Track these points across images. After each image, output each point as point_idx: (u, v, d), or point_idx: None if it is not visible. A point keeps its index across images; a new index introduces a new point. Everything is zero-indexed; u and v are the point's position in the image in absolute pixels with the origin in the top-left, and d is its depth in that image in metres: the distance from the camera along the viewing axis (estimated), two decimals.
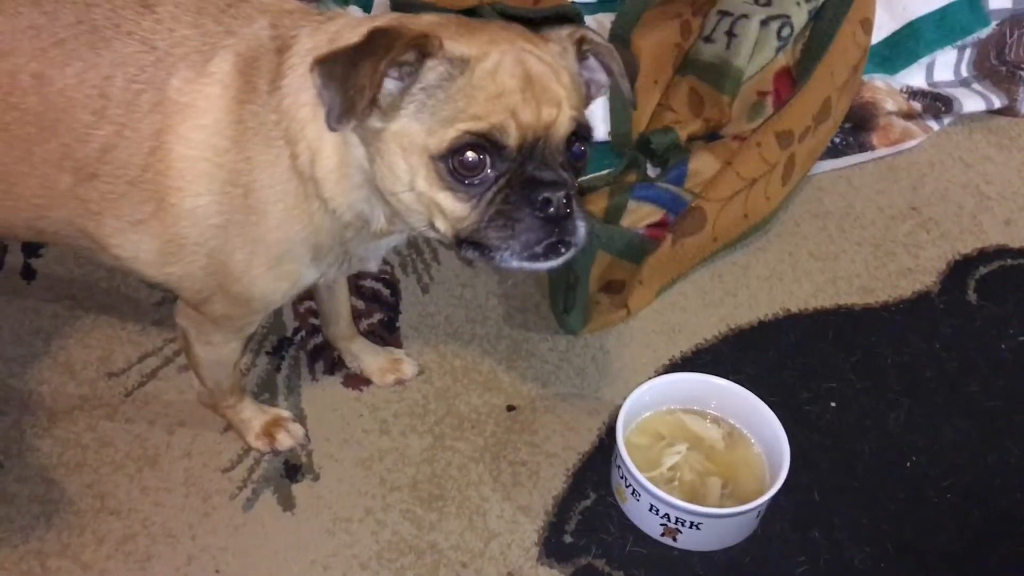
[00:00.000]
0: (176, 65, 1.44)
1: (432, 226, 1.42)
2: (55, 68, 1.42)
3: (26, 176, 1.48)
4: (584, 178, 2.46)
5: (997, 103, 2.75)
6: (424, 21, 1.42)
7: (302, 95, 1.41)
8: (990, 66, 2.80)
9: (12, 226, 1.58)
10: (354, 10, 2.75)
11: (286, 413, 1.96)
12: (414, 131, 1.34)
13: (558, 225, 1.37)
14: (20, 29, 1.42)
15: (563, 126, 1.38)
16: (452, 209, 1.38)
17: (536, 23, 2.67)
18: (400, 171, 1.37)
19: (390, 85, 1.34)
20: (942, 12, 2.73)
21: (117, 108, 1.43)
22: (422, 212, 1.41)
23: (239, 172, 1.44)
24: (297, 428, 1.94)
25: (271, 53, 1.45)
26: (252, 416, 1.92)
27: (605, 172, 2.48)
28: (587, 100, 1.51)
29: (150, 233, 1.49)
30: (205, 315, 1.63)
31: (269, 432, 1.92)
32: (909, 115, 2.72)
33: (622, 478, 1.81)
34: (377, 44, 1.30)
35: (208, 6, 1.49)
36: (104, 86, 1.43)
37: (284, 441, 1.92)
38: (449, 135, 1.32)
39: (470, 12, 2.72)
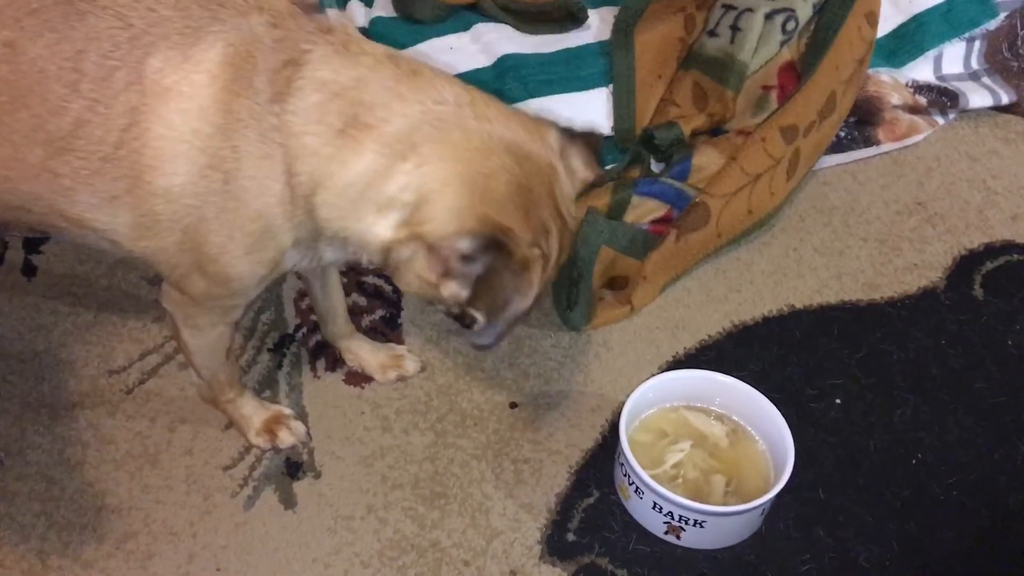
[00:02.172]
0: (156, 45, 1.41)
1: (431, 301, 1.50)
2: (28, 38, 1.41)
3: None
4: None
5: (1005, 99, 2.73)
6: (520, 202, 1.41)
7: (311, 125, 1.39)
8: (1002, 59, 2.77)
9: None
10: (354, 6, 2.75)
11: (287, 410, 1.95)
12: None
13: None
14: None
15: None
16: (455, 295, 1.42)
17: (538, 17, 2.68)
18: (420, 275, 1.44)
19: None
20: (949, 4, 2.71)
21: (90, 83, 1.41)
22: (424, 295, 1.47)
23: (222, 159, 1.41)
24: (298, 425, 1.93)
25: (272, 54, 1.42)
26: (252, 412, 1.91)
27: (608, 167, 2.47)
28: None
29: (124, 208, 1.47)
30: (187, 294, 1.60)
31: (270, 429, 1.91)
32: (915, 109, 2.70)
33: (625, 476, 1.80)
34: (522, 281, 1.38)
35: None
36: (77, 59, 1.41)
37: (285, 438, 1.91)
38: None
39: (472, 6, 2.72)
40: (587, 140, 1.57)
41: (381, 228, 1.40)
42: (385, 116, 1.37)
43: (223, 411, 1.92)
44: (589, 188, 2.34)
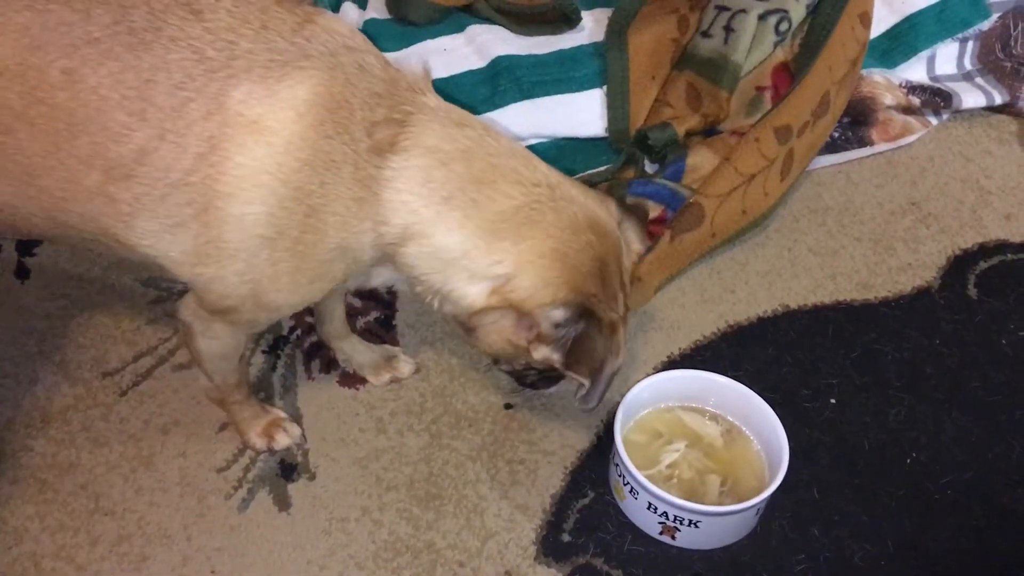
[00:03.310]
0: (238, 77, 1.39)
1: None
2: (88, 66, 1.38)
3: (52, 169, 1.44)
4: (581, 174, 2.46)
5: (998, 99, 2.73)
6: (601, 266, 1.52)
7: (415, 186, 1.44)
8: (995, 60, 2.78)
9: (30, 216, 1.53)
10: (348, 8, 2.75)
11: (283, 414, 1.95)
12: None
13: None
14: (50, 25, 1.38)
15: None
16: (547, 358, 1.53)
17: (531, 18, 2.69)
18: (508, 339, 1.54)
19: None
20: (942, 5, 2.71)
21: (159, 112, 1.38)
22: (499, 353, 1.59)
23: (308, 193, 1.41)
24: (294, 428, 1.93)
25: (371, 106, 1.43)
26: (255, 415, 1.91)
27: (603, 168, 2.47)
28: None
29: (187, 235, 1.45)
30: (219, 313, 1.58)
31: (268, 432, 1.91)
32: (908, 110, 2.71)
33: (620, 476, 1.80)
34: (613, 343, 1.51)
35: (274, 21, 1.44)
36: (144, 89, 1.38)
37: (282, 440, 1.91)
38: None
39: (465, 8, 2.72)
40: (637, 213, 1.72)
41: (472, 293, 1.50)
42: (491, 195, 1.45)
43: (227, 411, 1.91)
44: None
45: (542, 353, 1.52)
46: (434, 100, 1.50)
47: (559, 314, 1.47)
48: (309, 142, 1.39)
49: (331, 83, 1.41)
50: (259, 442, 1.91)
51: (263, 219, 1.41)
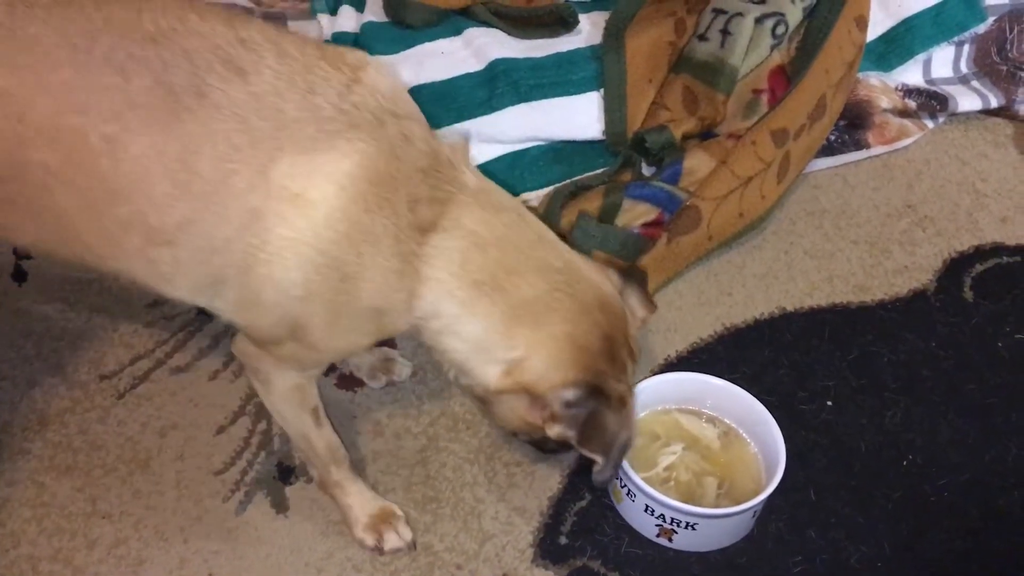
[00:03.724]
0: (283, 149, 1.36)
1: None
2: (131, 134, 1.33)
3: (92, 230, 1.41)
4: (578, 177, 2.46)
5: (994, 102, 2.74)
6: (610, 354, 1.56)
7: (453, 266, 1.47)
8: (991, 63, 2.79)
9: (69, 258, 1.51)
10: (345, 11, 2.75)
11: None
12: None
13: None
14: (92, 86, 1.33)
15: None
16: (562, 435, 1.55)
17: (529, 22, 2.69)
18: (523, 418, 1.59)
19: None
20: (938, 8, 2.71)
21: (203, 184, 1.35)
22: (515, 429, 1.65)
23: (344, 263, 1.40)
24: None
25: (415, 183, 1.43)
26: (362, 503, 1.79)
27: (600, 171, 2.47)
28: None
29: (229, 289, 1.44)
30: (266, 351, 1.56)
31: (377, 527, 1.78)
32: (904, 113, 2.71)
33: (617, 479, 1.80)
34: (623, 416, 1.56)
35: (320, 84, 1.39)
36: (188, 160, 1.34)
37: (392, 542, 1.78)
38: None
39: (463, 11, 2.73)
40: (636, 277, 1.75)
41: (489, 374, 1.53)
42: (518, 284, 1.49)
43: (330, 496, 1.81)
44: (580, 190, 2.37)
45: (556, 431, 1.55)
46: (473, 180, 1.52)
47: (570, 394, 1.50)
48: (349, 215, 1.38)
49: (377, 157, 1.39)
50: (367, 538, 1.78)
51: (299, 283, 1.41)
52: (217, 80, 1.35)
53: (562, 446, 1.64)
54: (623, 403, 1.56)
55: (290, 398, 1.67)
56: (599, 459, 1.57)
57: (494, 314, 1.49)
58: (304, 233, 1.37)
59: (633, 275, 1.74)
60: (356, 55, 1.48)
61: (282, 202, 1.36)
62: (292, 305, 1.44)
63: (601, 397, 1.52)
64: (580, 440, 1.55)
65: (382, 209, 1.40)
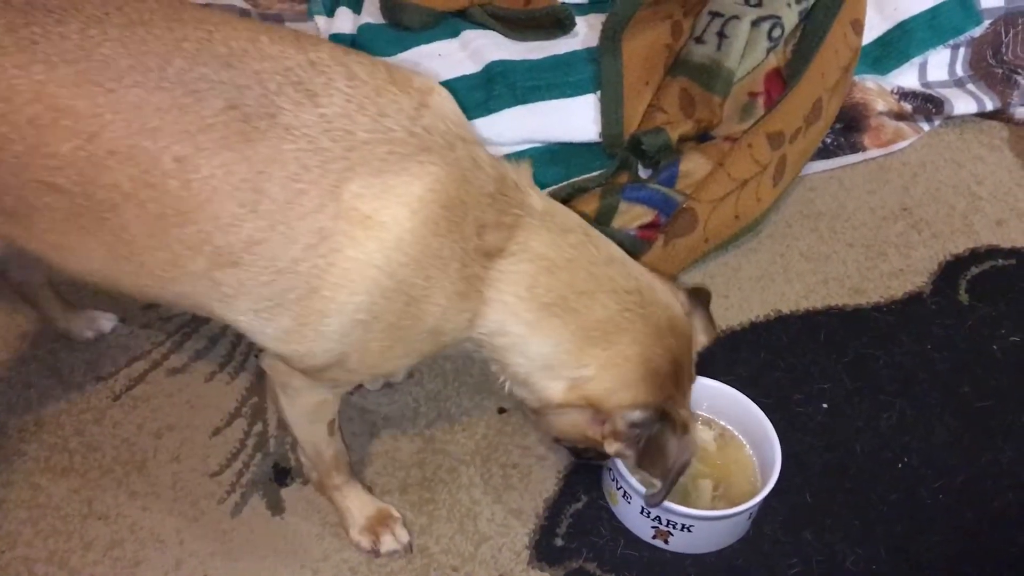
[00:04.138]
0: (354, 170, 1.35)
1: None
2: (202, 155, 1.33)
3: (155, 250, 1.39)
4: (575, 179, 2.46)
5: (989, 106, 2.75)
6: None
7: (520, 289, 1.46)
8: (986, 66, 2.80)
9: (118, 283, 1.49)
10: (342, 13, 2.76)
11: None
12: None
13: None
14: (163, 107, 1.32)
15: None
16: (621, 453, 1.57)
17: (526, 24, 2.69)
18: (582, 432, 1.58)
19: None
20: (933, 11, 2.73)
21: (271, 204, 1.34)
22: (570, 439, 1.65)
23: (412, 286, 1.40)
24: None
25: (483, 207, 1.43)
26: (360, 506, 1.80)
27: (596, 173, 2.48)
28: None
29: (286, 315, 1.42)
30: (299, 369, 1.55)
31: (374, 529, 1.79)
32: (900, 116, 2.72)
33: (613, 480, 1.80)
34: (685, 442, 1.53)
35: (391, 107, 1.39)
36: (257, 180, 1.34)
37: (388, 544, 1.79)
38: None
39: (460, 13, 2.73)
40: (703, 300, 1.72)
41: (552, 388, 1.53)
42: (589, 304, 1.48)
43: (328, 499, 1.82)
44: (576, 192, 2.37)
45: (615, 448, 1.56)
46: (540, 202, 1.51)
47: (637, 415, 1.50)
48: (419, 238, 1.37)
49: (447, 180, 1.38)
50: (363, 540, 1.79)
51: (364, 306, 1.40)
52: (288, 102, 1.35)
53: (600, 455, 1.64)
54: (686, 429, 1.55)
55: (313, 412, 1.67)
56: (656, 482, 1.58)
57: (564, 335, 1.48)
58: (374, 256, 1.36)
59: (700, 297, 1.71)
60: (423, 79, 1.47)
61: (352, 223, 1.35)
62: (351, 330, 1.42)
63: (667, 421, 1.51)
64: (640, 461, 1.57)
65: (451, 233, 1.40)
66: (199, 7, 1.45)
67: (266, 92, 1.35)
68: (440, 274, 1.41)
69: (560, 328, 1.48)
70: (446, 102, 1.47)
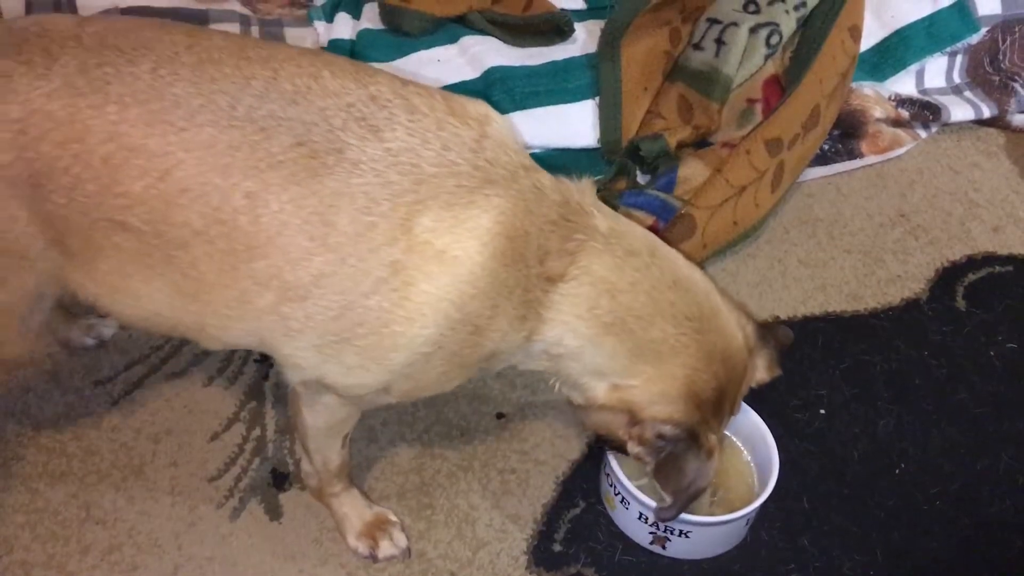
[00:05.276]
0: (424, 203, 1.36)
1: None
2: (271, 191, 1.35)
3: (223, 287, 1.40)
4: None
5: (987, 112, 2.76)
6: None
7: (582, 310, 1.46)
8: (984, 74, 2.81)
9: (176, 325, 1.49)
10: (342, 19, 2.76)
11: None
12: None
13: None
14: (234, 144, 1.35)
15: None
16: (641, 458, 1.58)
17: (524, 30, 2.70)
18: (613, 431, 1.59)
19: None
20: (931, 19, 2.73)
21: (341, 237, 1.35)
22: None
23: (479, 316, 1.41)
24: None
25: (546, 234, 1.43)
26: (357, 511, 1.81)
27: (595, 179, 2.48)
28: None
29: (349, 351, 1.42)
30: (340, 395, 1.55)
31: (371, 534, 1.80)
32: (898, 123, 2.73)
33: (611, 486, 1.81)
34: (706, 467, 1.55)
35: (453, 140, 1.41)
36: (327, 214, 1.35)
37: (386, 550, 1.79)
38: None
39: (459, 19, 2.74)
40: (777, 339, 1.72)
41: (599, 390, 1.55)
42: (647, 328, 1.49)
43: (326, 505, 1.83)
44: None
45: (637, 452, 1.57)
46: (604, 223, 1.50)
47: (667, 429, 1.52)
48: (488, 271, 1.39)
49: (513, 212, 1.40)
50: (360, 545, 1.79)
51: (432, 339, 1.41)
52: (353, 137, 1.37)
53: (622, 449, 1.65)
54: (710, 455, 1.56)
55: (333, 427, 1.68)
56: (667, 497, 1.60)
57: (620, 350, 1.50)
58: (447, 290, 1.37)
59: (774, 335, 1.71)
60: (478, 107, 1.49)
61: (425, 258, 1.36)
62: (413, 363, 1.43)
63: (693, 443, 1.53)
64: (656, 473, 1.58)
65: (516, 263, 1.41)
66: (263, 43, 1.47)
67: (332, 128, 1.37)
68: (504, 302, 1.42)
69: (616, 345, 1.49)
70: (504, 129, 1.49)
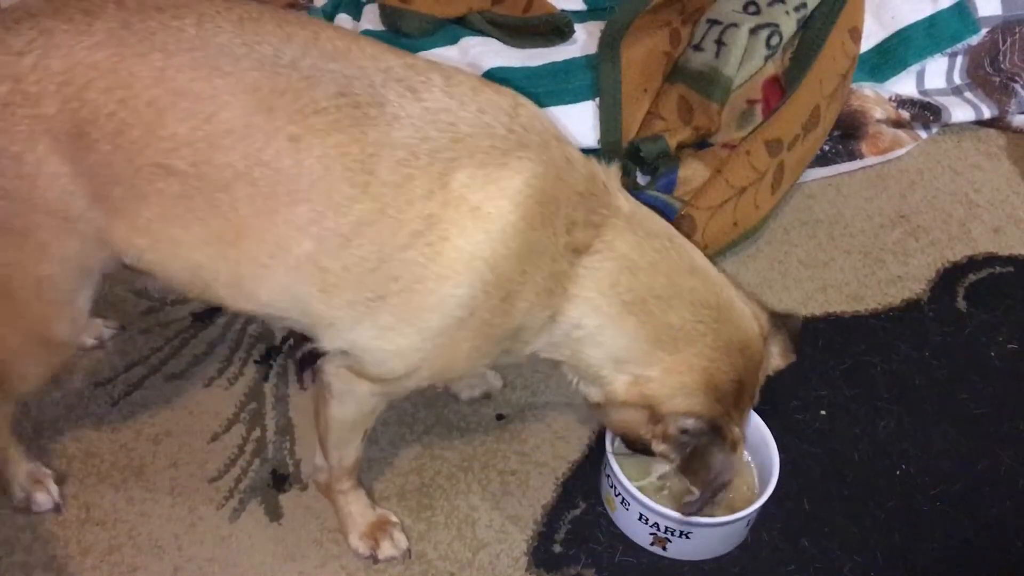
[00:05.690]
0: (461, 160, 1.39)
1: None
2: (315, 135, 1.37)
3: (262, 233, 1.41)
4: None
5: (987, 113, 2.76)
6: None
7: (603, 286, 1.49)
8: (984, 74, 2.81)
9: (211, 282, 1.48)
10: (342, 19, 2.76)
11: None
12: None
13: None
14: (280, 90, 1.37)
15: None
16: (666, 455, 1.60)
17: (524, 31, 2.70)
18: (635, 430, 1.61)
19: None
20: (931, 20, 2.74)
21: (382, 187, 1.37)
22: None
23: (509, 280, 1.42)
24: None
25: (573, 205, 1.45)
26: (361, 511, 1.81)
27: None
28: None
29: (384, 310, 1.43)
30: (369, 376, 1.55)
31: (373, 535, 1.80)
32: (898, 123, 2.73)
33: (611, 487, 1.80)
34: (731, 459, 1.56)
35: (489, 105, 1.44)
36: (368, 162, 1.38)
37: (386, 550, 1.79)
38: None
39: (459, 20, 2.74)
40: (790, 326, 1.73)
41: (617, 382, 1.57)
42: (665, 310, 1.51)
43: (332, 500, 1.82)
44: None
45: (662, 450, 1.58)
46: (626, 204, 1.54)
47: (689, 423, 1.53)
48: (520, 232, 1.40)
49: (544, 176, 1.42)
50: (361, 545, 1.80)
51: (465, 301, 1.42)
52: (393, 94, 1.41)
53: (649, 451, 1.66)
54: (734, 447, 1.57)
55: (359, 421, 1.68)
56: (695, 490, 1.60)
57: (640, 333, 1.51)
58: (481, 247, 1.39)
59: (786, 322, 1.72)
60: (507, 89, 1.51)
61: (461, 212, 1.39)
62: (445, 329, 1.44)
63: (717, 435, 1.54)
64: (683, 468, 1.59)
65: (545, 228, 1.43)
66: (298, 14, 1.49)
67: (372, 84, 1.40)
68: (533, 268, 1.44)
69: (636, 327, 1.51)
70: (538, 108, 1.52)
